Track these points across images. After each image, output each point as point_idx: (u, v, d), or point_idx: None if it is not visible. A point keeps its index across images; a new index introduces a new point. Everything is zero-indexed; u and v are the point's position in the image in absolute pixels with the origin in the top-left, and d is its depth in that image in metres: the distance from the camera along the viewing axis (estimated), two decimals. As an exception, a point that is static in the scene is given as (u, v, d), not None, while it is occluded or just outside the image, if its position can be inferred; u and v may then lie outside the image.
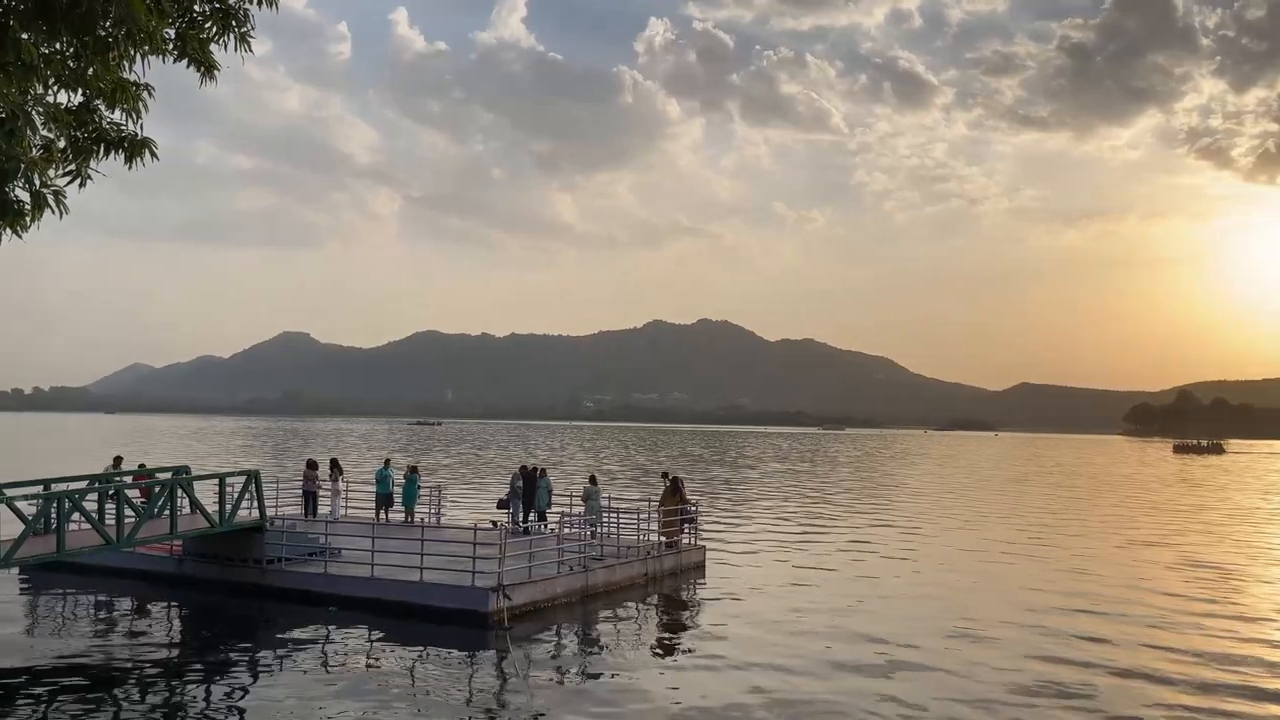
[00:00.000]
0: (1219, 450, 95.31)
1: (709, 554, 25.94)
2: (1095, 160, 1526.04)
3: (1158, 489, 63.89)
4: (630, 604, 20.70)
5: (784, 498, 49.27)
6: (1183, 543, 33.16)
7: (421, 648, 16.31)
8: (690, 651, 16.82)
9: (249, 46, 7.99)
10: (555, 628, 18.25)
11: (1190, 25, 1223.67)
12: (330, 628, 17.57)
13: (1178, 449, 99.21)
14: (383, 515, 27.88)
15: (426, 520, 27.66)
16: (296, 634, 17.30)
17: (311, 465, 28.50)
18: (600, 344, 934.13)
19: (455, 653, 16.17)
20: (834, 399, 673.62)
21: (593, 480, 26.06)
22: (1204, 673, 15.67)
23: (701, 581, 23.51)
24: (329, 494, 28.05)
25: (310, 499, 27.69)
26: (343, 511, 28.30)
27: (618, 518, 25.05)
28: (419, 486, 28.32)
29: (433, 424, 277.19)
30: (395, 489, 28.34)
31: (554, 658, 16.24)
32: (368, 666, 15.14)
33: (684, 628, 19.19)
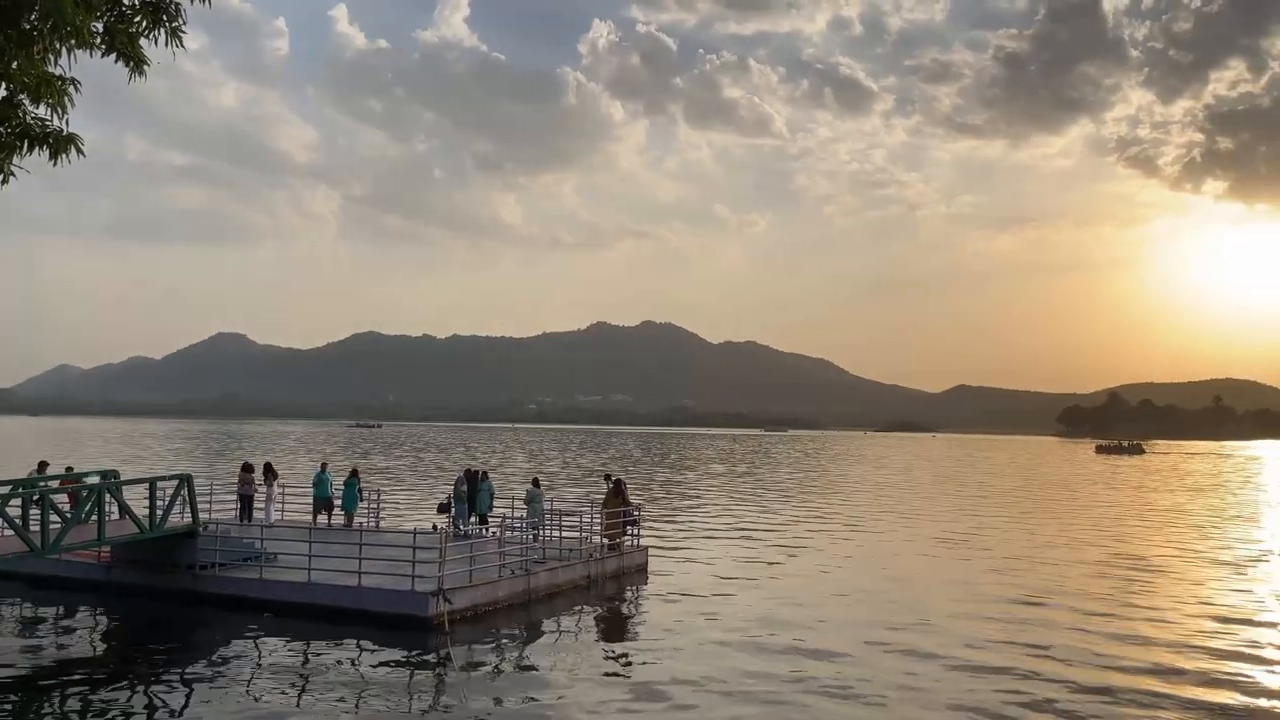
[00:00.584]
0: (1139, 450, 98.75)
1: (651, 555, 25.99)
2: (1029, 167, 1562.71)
3: (1077, 488, 65.62)
4: (573, 607, 20.67)
5: (726, 499, 49.58)
6: (1093, 539, 34.10)
7: (360, 653, 16.09)
8: (632, 653, 16.84)
9: (180, 42, 7.82)
10: (497, 632, 18.13)
11: (1120, 37, 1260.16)
12: (266, 634, 17.23)
13: (1100, 449, 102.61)
14: (321, 519, 27.48)
15: (366, 524, 27.33)
16: (230, 641, 16.93)
17: (247, 469, 27.96)
18: (543, 346, 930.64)
19: (395, 658, 15.97)
20: (776, 401, 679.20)
21: (535, 483, 25.99)
22: (1117, 663, 16.15)
23: (644, 583, 23.55)
24: (264, 498, 27.55)
25: (245, 503, 27.16)
26: (278, 516, 27.82)
27: (560, 520, 24.99)
28: (359, 490, 27.97)
29: (372, 426, 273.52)
30: (334, 492, 27.94)
31: (495, 662, 16.14)
32: (304, 674, 14.88)
33: (626, 630, 19.21)
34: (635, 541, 25.69)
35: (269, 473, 28.16)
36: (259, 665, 15.38)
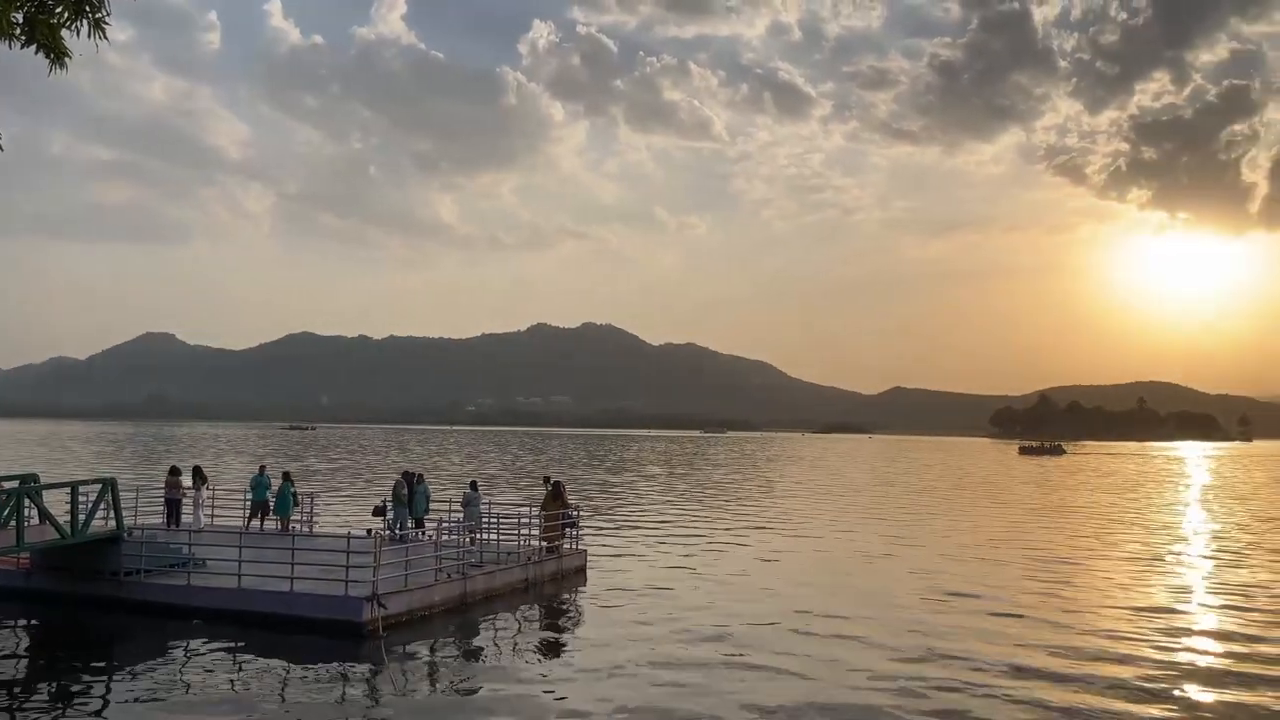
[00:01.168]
0: (1059, 451, 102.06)
1: (590, 558, 25.96)
2: (962, 174, 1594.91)
3: (999, 487, 67.26)
4: (510, 610, 20.54)
5: (664, 501, 49.76)
6: (1007, 536, 34.99)
7: (292, 661, 15.79)
8: (570, 657, 16.81)
9: (104, 33, 7.59)
10: (433, 637, 17.95)
11: (1049, 48, 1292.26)
12: (194, 642, 16.81)
13: (1022, 450, 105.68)
14: (256, 523, 26.97)
15: (299, 528, 26.86)
16: (156, 650, 16.45)
17: (174, 472, 27.28)
18: (482, 347, 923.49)
19: (328, 665, 15.70)
20: (715, 402, 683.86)
21: (473, 486, 25.78)
22: (1027, 651, 16.58)
23: (582, 586, 23.50)
24: (193, 502, 26.91)
25: (173, 507, 26.50)
26: (208, 520, 27.20)
27: (498, 523, 24.84)
28: (293, 493, 27.51)
29: (306, 428, 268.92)
30: (271, 496, 27.43)
31: (431, 667, 15.98)
32: (233, 682, 14.56)
33: (564, 633, 19.17)
34: (574, 544, 25.65)
35: (198, 476, 27.52)
36: (186, 674, 14.99)
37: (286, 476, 28.18)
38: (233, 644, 16.73)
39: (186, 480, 27.16)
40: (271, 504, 27.24)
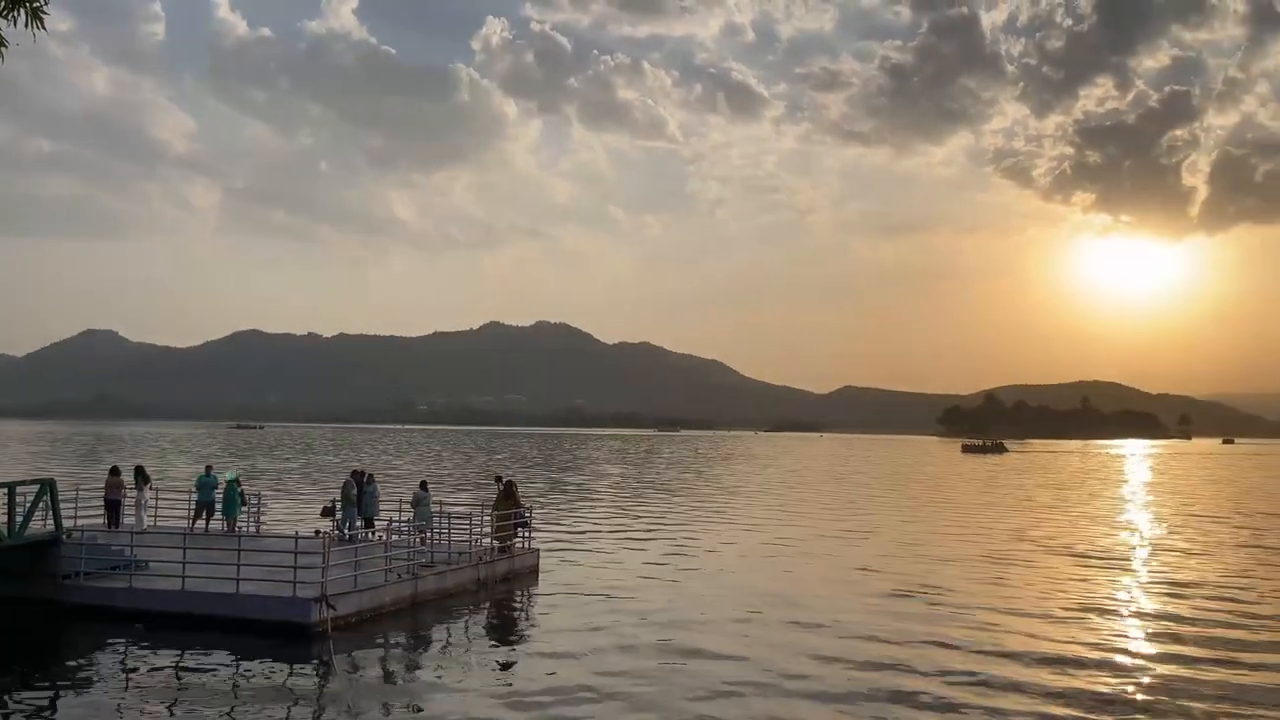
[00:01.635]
0: (1000, 450, 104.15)
1: (543, 557, 25.89)
2: (913, 176, 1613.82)
3: (943, 485, 68.37)
4: (462, 611, 20.43)
5: (617, 500, 49.79)
6: (948, 532, 35.61)
7: (238, 663, 15.54)
8: (521, 656, 16.76)
9: (41, 23, 7.42)
10: (383, 638, 17.79)
11: (997, 52, 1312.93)
12: (136, 646, 16.49)
13: (965, 449, 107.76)
14: (201, 524, 26.51)
15: (246, 529, 26.44)
16: (97, 654, 16.13)
17: (115, 472, 26.69)
18: (435, 345, 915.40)
19: (275, 668, 15.48)
20: (669, 401, 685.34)
21: (423, 485, 25.57)
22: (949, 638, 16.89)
23: (535, 586, 23.45)
24: (134, 503, 26.35)
25: (114, 509, 25.92)
26: (151, 522, 26.66)
27: (449, 523, 24.67)
28: (240, 494, 27.07)
29: (254, 427, 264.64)
30: (218, 495, 26.97)
31: (380, 669, 15.84)
32: (177, 687, 14.29)
33: (516, 633, 19.11)
34: (526, 544, 25.56)
35: (140, 476, 26.95)
36: (128, 679, 14.70)
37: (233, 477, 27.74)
38: (176, 648, 16.41)
39: (129, 480, 26.60)
40: (217, 505, 26.81)
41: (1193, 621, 20.17)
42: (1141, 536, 36.81)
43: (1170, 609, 21.65)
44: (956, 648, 17.32)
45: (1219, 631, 19.12)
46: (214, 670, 15.17)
